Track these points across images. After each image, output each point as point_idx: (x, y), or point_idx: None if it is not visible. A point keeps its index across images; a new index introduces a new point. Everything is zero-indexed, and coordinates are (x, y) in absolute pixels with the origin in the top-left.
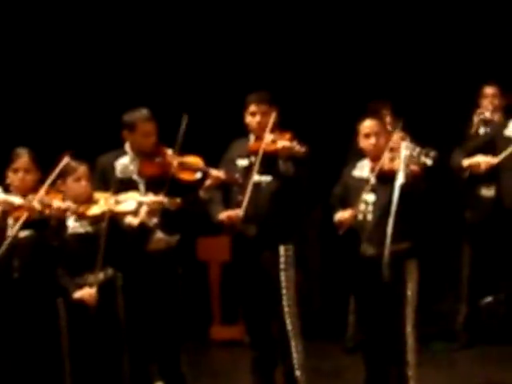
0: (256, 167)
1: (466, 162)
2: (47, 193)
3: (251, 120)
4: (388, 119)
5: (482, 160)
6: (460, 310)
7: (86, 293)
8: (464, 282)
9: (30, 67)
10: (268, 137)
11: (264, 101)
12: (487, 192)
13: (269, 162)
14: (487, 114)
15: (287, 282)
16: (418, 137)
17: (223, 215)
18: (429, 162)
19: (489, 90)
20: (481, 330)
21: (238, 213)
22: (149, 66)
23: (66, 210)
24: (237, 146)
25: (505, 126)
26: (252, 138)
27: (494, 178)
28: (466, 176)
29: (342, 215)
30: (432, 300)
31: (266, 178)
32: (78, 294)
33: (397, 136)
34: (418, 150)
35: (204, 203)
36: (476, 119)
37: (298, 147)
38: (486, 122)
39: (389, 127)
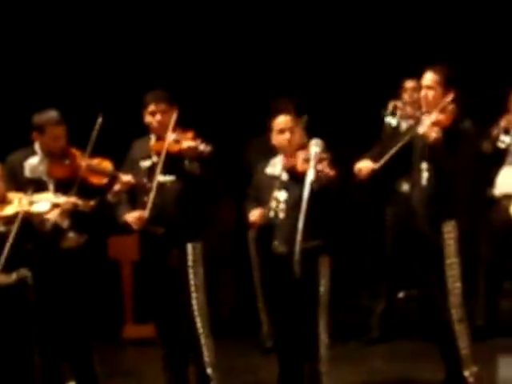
0: (159, 168)
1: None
2: None
3: (151, 120)
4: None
5: (363, 165)
6: (377, 305)
7: None
8: (384, 277)
9: None
10: (170, 136)
11: (162, 99)
12: (407, 187)
13: (172, 161)
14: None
15: (196, 279)
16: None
17: (128, 217)
18: (324, 155)
19: (409, 84)
20: (393, 326)
21: (143, 214)
22: (60, 65)
23: None
24: (138, 147)
25: (419, 121)
26: (153, 137)
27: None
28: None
29: (252, 214)
30: (346, 296)
31: (170, 178)
32: None
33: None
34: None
35: (112, 206)
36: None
37: (202, 146)
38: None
39: None
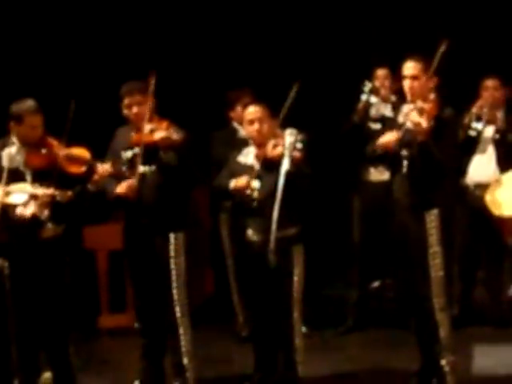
0: (139, 159)
1: None
2: None
3: (128, 113)
4: None
5: (388, 138)
6: (350, 294)
7: None
8: (354, 266)
9: None
10: (147, 127)
11: (136, 90)
12: (379, 176)
13: (151, 152)
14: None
15: (177, 269)
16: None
17: (119, 188)
18: (298, 145)
19: (380, 72)
20: (369, 314)
21: (133, 182)
22: (35, 55)
23: None
24: (120, 136)
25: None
26: (133, 128)
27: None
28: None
29: (236, 181)
30: (321, 285)
31: (151, 168)
32: None
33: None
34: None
35: (92, 195)
36: (361, 105)
37: (174, 135)
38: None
39: None
